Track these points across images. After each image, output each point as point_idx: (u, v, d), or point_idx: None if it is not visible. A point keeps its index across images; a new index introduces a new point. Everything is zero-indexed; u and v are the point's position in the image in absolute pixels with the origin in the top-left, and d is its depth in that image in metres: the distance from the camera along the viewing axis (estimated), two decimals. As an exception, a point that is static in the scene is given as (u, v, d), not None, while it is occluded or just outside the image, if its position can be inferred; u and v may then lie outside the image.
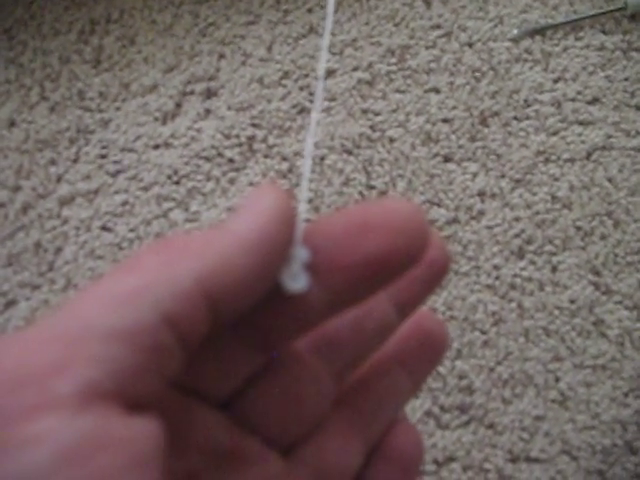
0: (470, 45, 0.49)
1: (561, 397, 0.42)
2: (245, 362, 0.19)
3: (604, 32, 0.50)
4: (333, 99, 0.47)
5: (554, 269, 0.44)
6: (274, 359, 0.20)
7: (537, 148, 0.47)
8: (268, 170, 0.46)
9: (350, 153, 0.46)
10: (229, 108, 0.47)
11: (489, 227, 0.45)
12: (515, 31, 0.49)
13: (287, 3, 0.50)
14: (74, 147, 0.46)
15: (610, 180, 0.46)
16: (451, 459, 0.41)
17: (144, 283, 0.15)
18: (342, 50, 0.49)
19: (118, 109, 0.47)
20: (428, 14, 0.50)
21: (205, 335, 0.16)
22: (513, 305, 0.44)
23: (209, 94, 0.48)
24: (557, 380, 0.42)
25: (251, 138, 0.47)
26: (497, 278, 0.44)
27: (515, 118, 0.47)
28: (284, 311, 0.18)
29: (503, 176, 0.46)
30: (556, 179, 0.46)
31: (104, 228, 0.45)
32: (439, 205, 0.45)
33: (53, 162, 0.46)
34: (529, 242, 0.45)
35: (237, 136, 0.46)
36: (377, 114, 0.47)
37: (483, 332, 0.43)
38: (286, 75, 0.48)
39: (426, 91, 0.48)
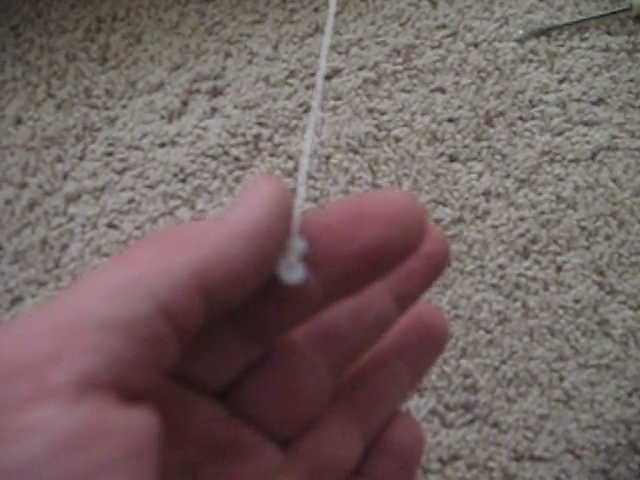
0: (476, 45, 0.49)
1: (565, 396, 0.42)
2: (242, 352, 0.19)
3: (609, 33, 0.50)
4: (339, 98, 0.48)
5: (559, 269, 0.44)
6: (272, 352, 0.20)
7: (542, 148, 0.47)
8: (274, 169, 0.46)
9: (356, 152, 0.46)
10: (235, 107, 0.47)
11: (494, 227, 0.45)
12: (521, 31, 0.49)
13: (293, 2, 0.50)
14: (80, 144, 0.47)
15: (615, 180, 0.46)
16: (455, 457, 0.41)
17: (140, 274, 0.15)
18: (348, 49, 0.49)
19: (124, 107, 0.47)
20: (434, 14, 0.50)
21: (201, 326, 0.16)
22: (518, 304, 0.44)
23: (215, 93, 0.48)
24: (561, 379, 0.43)
25: (257, 137, 0.47)
26: (502, 277, 0.44)
27: (520, 118, 0.48)
28: (281, 301, 0.18)
29: (508, 176, 0.46)
30: (561, 179, 0.46)
31: (110, 225, 0.45)
32: (444, 204, 0.46)
33: (59, 159, 0.46)
34: (534, 242, 0.45)
35: (243, 135, 0.47)
36: (383, 113, 0.47)
37: (488, 331, 0.43)
38: (292, 74, 0.48)
39: (432, 91, 0.48)
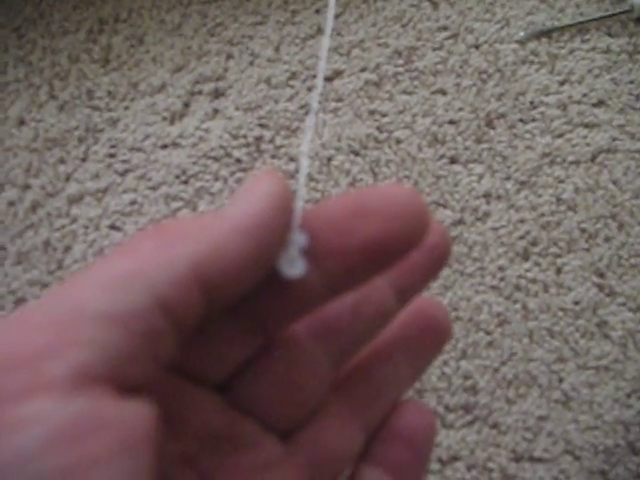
0: (477, 47, 0.49)
1: (564, 398, 0.43)
2: (242, 345, 0.19)
3: (610, 35, 0.50)
4: (340, 100, 0.48)
5: (559, 271, 0.45)
6: (272, 344, 0.20)
7: (542, 150, 0.47)
8: (275, 170, 0.46)
9: (357, 154, 0.47)
10: (237, 108, 0.48)
11: (494, 228, 0.45)
12: (522, 33, 0.49)
13: (295, 4, 0.50)
14: (83, 146, 0.47)
15: (615, 183, 0.46)
16: (455, 458, 0.42)
17: (138, 267, 0.15)
18: (349, 51, 0.49)
19: (127, 108, 0.48)
20: (435, 16, 0.50)
21: (200, 319, 0.16)
22: (518, 306, 0.44)
23: (217, 94, 0.48)
24: (560, 381, 0.43)
25: (259, 138, 0.47)
26: (502, 279, 0.44)
27: (521, 120, 0.48)
28: (281, 295, 0.18)
29: (509, 178, 0.46)
30: (561, 181, 0.46)
31: (113, 227, 0.45)
32: (445, 206, 0.46)
33: (62, 161, 0.47)
34: (534, 244, 0.45)
35: (245, 136, 0.47)
36: (384, 115, 0.47)
37: (488, 333, 0.43)
38: (294, 76, 0.48)
39: (433, 92, 0.48)
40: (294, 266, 0.17)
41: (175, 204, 0.46)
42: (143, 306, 0.14)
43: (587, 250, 0.45)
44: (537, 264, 0.45)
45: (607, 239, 0.45)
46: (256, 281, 0.17)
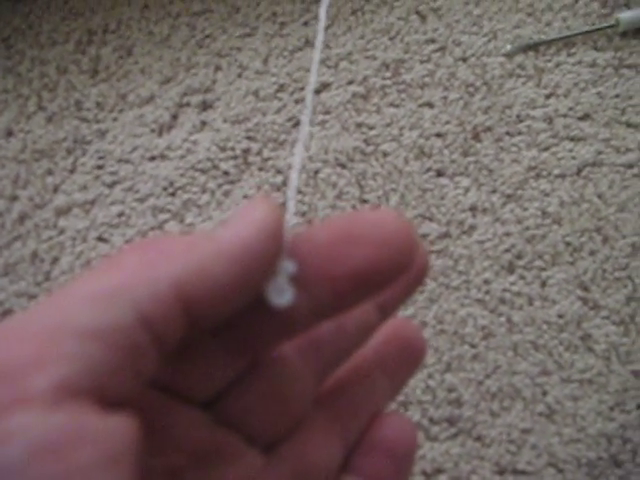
0: (464, 60, 0.50)
1: (548, 410, 0.43)
2: (228, 366, 0.19)
3: (596, 49, 0.50)
4: (327, 112, 0.48)
5: (543, 284, 0.45)
6: (257, 362, 0.20)
7: (528, 163, 0.47)
8: (263, 183, 0.46)
9: (344, 167, 0.47)
10: (225, 120, 0.48)
11: (480, 242, 0.46)
12: (508, 46, 0.50)
13: (283, 16, 0.50)
14: (71, 157, 0.47)
15: (600, 196, 0.47)
16: (439, 471, 0.42)
17: (122, 282, 0.15)
18: (337, 63, 0.49)
19: (115, 120, 0.48)
20: (423, 29, 0.50)
21: (182, 337, 0.16)
22: (502, 319, 0.44)
23: (205, 106, 0.48)
24: (544, 394, 0.43)
25: (246, 151, 0.47)
26: (487, 292, 0.45)
27: (507, 133, 0.48)
28: (268, 320, 0.18)
29: (494, 191, 0.47)
30: (547, 195, 0.47)
31: (100, 239, 0.45)
32: (431, 219, 0.46)
33: (50, 172, 0.47)
34: (519, 257, 0.45)
35: (232, 149, 0.47)
36: (371, 128, 0.48)
37: (472, 346, 0.44)
38: (282, 88, 0.49)
39: (420, 105, 0.48)
40: (282, 295, 0.17)
41: (162, 216, 0.46)
42: (126, 322, 0.15)
43: (572, 263, 0.45)
44: (522, 277, 0.45)
45: (592, 252, 0.46)
46: (242, 305, 0.17)
